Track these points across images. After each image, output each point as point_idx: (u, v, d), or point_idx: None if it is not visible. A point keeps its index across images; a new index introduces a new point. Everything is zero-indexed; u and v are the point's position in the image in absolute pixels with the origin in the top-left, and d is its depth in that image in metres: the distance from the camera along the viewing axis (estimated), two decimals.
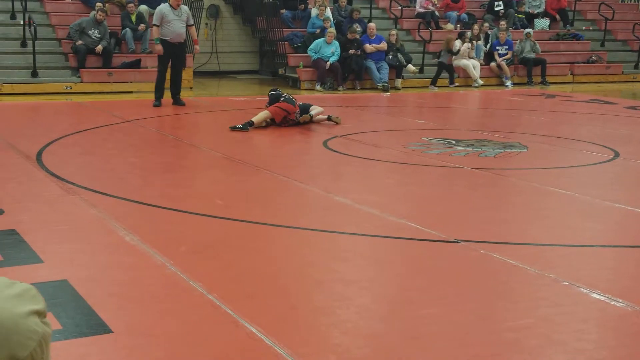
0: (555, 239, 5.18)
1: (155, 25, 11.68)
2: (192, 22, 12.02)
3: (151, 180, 6.77)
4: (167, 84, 11.92)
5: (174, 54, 11.75)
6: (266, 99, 10.33)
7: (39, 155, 7.43)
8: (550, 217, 5.77)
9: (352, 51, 15.88)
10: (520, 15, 19.89)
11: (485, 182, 6.97)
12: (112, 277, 4.15)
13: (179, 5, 11.63)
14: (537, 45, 18.10)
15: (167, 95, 11.98)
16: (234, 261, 4.47)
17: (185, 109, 11.59)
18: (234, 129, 9.43)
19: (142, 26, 15.05)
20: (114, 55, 14.57)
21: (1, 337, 1.04)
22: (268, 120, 9.76)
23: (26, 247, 4.50)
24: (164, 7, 11.66)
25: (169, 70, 11.85)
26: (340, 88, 15.76)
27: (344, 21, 17.05)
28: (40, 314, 1.10)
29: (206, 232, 5.07)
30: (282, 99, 9.92)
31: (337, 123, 10.05)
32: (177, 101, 11.97)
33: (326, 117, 10.14)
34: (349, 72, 15.98)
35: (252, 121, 9.59)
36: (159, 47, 11.63)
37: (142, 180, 6.77)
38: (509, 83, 17.41)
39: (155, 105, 11.67)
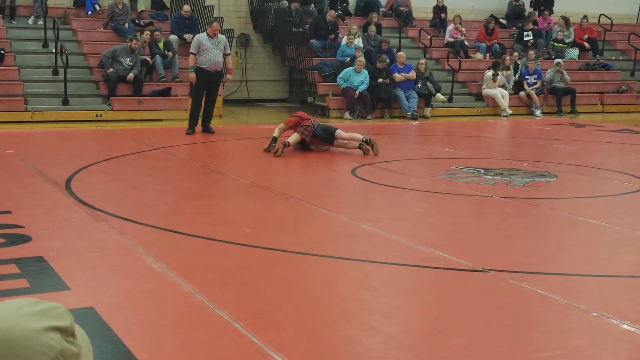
0: (584, 269, 5.10)
1: (192, 53, 11.80)
2: (229, 51, 12.11)
3: (179, 208, 6.79)
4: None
5: (210, 83, 11.84)
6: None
7: (68, 182, 7.49)
8: (579, 247, 5.69)
9: (381, 80, 15.91)
10: (558, 44, 19.81)
11: (514, 211, 6.90)
12: (139, 305, 4.15)
13: (216, 34, 11.74)
14: (567, 75, 18.02)
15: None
16: (260, 289, 4.44)
17: (214, 137, 11.65)
18: (267, 150, 9.82)
19: (168, 53, 15.23)
20: (144, 83, 14.74)
21: (9, 351, 1.04)
22: (286, 129, 10.08)
23: (53, 274, 4.52)
24: (201, 36, 11.82)
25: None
26: (369, 117, 15.77)
27: (373, 50, 17.11)
28: (63, 331, 1.10)
29: (233, 260, 5.06)
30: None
31: (372, 148, 9.81)
32: (206, 129, 12.04)
33: (361, 137, 9.95)
34: (378, 100, 16.01)
35: (274, 137, 9.95)
36: (192, 75, 11.74)
37: (170, 208, 6.79)
38: (538, 112, 17.31)
39: (188, 133, 11.75)
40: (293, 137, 9.73)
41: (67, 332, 1.10)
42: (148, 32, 15.33)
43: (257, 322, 3.89)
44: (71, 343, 1.10)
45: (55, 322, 1.09)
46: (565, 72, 18.08)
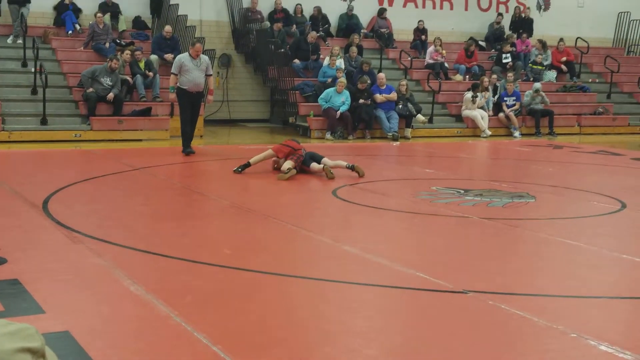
0: (563, 290, 5.10)
1: (173, 73, 11.72)
2: (211, 72, 12.02)
3: (158, 229, 6.74)
4: (179, 133, 11.98)
5: (191, 103, 11.79)
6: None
7: (46, 203, 7.43)
8: (558, 268, 5.70)
9: (362, 101, 15.97)
10: (536, 67, 20.00)
11: (493, 232, 6.92)
12: (115, 329, 4.10)
13: (198, 55, 11.68)
14: (546, 97, 18.20)
15: (178, 142, 12.03)
16: (240, 312, 4.41)
17: (194, 157, 11.61)
18: (235, 171, 9.82)
19: (149, 73, 15.21)
20: (124, 102, 14.69)
21: None
22: (273, 159, 9.97)
23: (28, 297, 4.46)
24: (183, 56, 11.74)
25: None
26: (350, 137, 15.81)
27: (355, 71, 17.18)
28: (34, 352, 1.10)
29: (213, 282, 5.02)
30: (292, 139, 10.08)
31: (359, 174, 9.80)
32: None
33: (345, 164, 10.00)
34: (359, 121, 16.05)
35: (249, 162, 9.91)
36: (172, 96, 11.69)
37: (149, 229, 6.74)
38: (517, 134, 17.44)
39: (186, 153, 11.68)
40: (287, 164, 9.65)
41: (37, 354, 1.10)
42: (128, 52, 15.32)
43: (237, 345, 3.85)
44: None
45: (26, 343, 1.09)
46: (544, 94, 18.25)
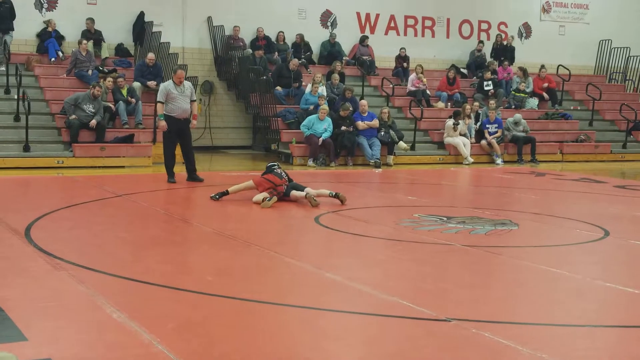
0: (547, 318, 5.12)
1: (159, 102, 11.69)
2: (194, 97, 12.02)
3: (141, 256, 6.71)
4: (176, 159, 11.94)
5: (180, 130, 11.75)
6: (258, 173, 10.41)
7: (28, 229, 7.38)
8: (541, 296, 5.73)
9: (344, 128, 16.05)
10: (519, 94, 20.22)
11: (476, 259, 6.94)
12: (98, 356, 4.07)
13: (181, 82, 11.69)
14: (527, 126, 18.40)
15: (161, 169, 11.99)
16: (222, 339, 4.39)
17: (176, 184, 11.58)
18: (213, 197, 9.86)
19: (131, 99, 15.23)
20: (107, 129, 14.68)
21: None
22: (251, 189, 9.90)
23: (10, 325, 4.42)
24: (168, 84, 11.72)
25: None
26: (333, 164, 15.86)
27: (337, 98, 17.28)
28: None
29: (195, 309, 5.00)
30: (273, 170, 9.99)
31: (342, 202, 9.79)
32: (193, 177, 11.91)
33: (327, 192, 10.01)
34: (341, 148, 16.12)
35: (227, 191, 9.93)
36: (163, 123, 11.60)
37: (131, 256, 6.71)
38: (499, 161, 17.57)
39: (170, 182, 11.63)
40: (262, 195, 9.61)
41: None
42: (110, 79, 15.33)
43: None
44: None
45: None
46: (525, 122, 18.43)
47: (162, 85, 12.01)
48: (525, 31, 23.10)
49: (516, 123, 18.31)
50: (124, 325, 4.52)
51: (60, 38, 17.08)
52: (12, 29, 16.27)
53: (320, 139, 15.77)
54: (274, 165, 10.32)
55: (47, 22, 17.03)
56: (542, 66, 20.98)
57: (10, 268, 5.90)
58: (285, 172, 10.21)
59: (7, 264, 6.02)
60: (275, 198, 9.55)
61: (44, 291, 5.27)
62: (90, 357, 4.04)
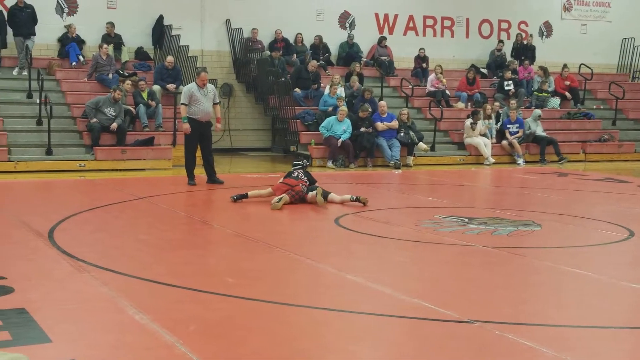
0: (571, 320, 5.08)
1: (183, 104, 11.72)
2: (217, 100, 12.05)
3: (162, 258, 6.74)
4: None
5: (202, 134, 11.76)
6: (279, 176, 10.43)
7: (51, 232, 7.43)
8: (565, 298, 5.68)
9: (363, 129, 16.02)
10: (542, 94, 20.09)
11: (499, 260, 6.89)
12: (121, 357, 4.08)
13: (205, 84, 11.70)
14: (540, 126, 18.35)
15: (181, 172, 12.03)
16: (244, 341, 4.39)
17: (196, 187, 11.62)
18: (232, 198, 9.89)
19: (151, 102, 15.29)
20: (127, 132, 14.75)
21: None
22: (270, 195, 9.88)
23: (35, 326, 4.45)
24: (191, 87, 11.74)
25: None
26: (352, 165, 15.84)
27: (356, 100, 17.25)
28: None
29: (216, 311, 5.00)
30: (291, 175, 9.97)
31: (364, 204, 9.79)
32: (213, 180, 11.91)
33: (349, 197, 10.00)
34: (361, 149, 16.09)
35: (247, 194, 9.94)
36: (186, 126, 11.62)
37: (152, 258, 6.73)
38: (520, 161, 17.46)
39: (190, 184, 11.66)
40: (284, 199, 9.59)
41: None
42: (129, 82, 15.40)
43: None
44: None
45: None
46: (539, 122, 18.33)
47: (185, 88, 12.04)
48: (546, 30, 22.95)
49: (536, 119, 18.17)
50: (146, 327, 4.54)
51: (81, 42, 17.19)
52: (34, 34, 16.39)
53: (340, 141, 15.75)
54: (298, 164, 10.34)
55: (68, 27, 17.15)
56: (565, 65, 20.83)
57: (34, 270, 5.94)
58: (305, 174, 10.17)
59: (31, 267, 6.07)
60: (286, 197, 9.52)
61: (68, 293, 5.31)
62: (113, 358, 4.06)
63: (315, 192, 9.78)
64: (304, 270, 6.41)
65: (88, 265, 6.07)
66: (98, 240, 7.45)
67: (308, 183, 10.04)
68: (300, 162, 10.47)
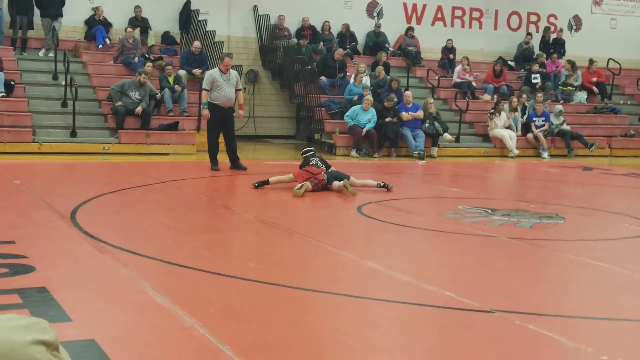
0: (592, 311, 5.02)
1: (205, 89, 11.73)
2: (240, 86, 12.04)
3: (183, 241, 6.75)
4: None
5: (223, 119, 11.77)
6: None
7: (74, 213, 7.47)
8: (587, 290, 5.62)
9: (388, 119, 15.95)
10: (567, 88, 19.89)
11: (521, 252, 6.84)
12: (140, 338, 4.09)
13: (228, 70, 11.70)
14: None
15: (204, 157, 12.05)
16: (263, 325, 4.39)
17: (219, 173, 11.64)
18: (254, 185, 9.83)
19: (177, 87, 15.32)
20: (152, 117, 14.80)
21: None
22: (291, 182, 9.86)
23: (55, 305, 4.47)
24: (214, 72, 11.74)
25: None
26: (376, 155, 15.78)
27: (382, 89, 17.18)
28: (48, 345, 1.11)
29: (236, 295, 5.00)
30: (310, 162, 9.96)
31: (389, 189, 9.89)
32: (237, 166, 11.91)
33: (376, 184, 10.01)
34: (385, 139, 16.03)
35: (268, 180, 9.87)
36: (205, 112, 11.63)
37: (174, 241, 6.75)
38: (545, 155, 17.31)
39: (213, 170, 11.67)
40: (306, 185, 9.59)
41: (52, 346, 1.11)
42: (150, 64, 15.38)
43: (260, 358, 3.83)
44: (56, 357, 1.10)
45: (40, 335, 1.10)
46: (562, 118, 18.15)
47: (208, 73, 12.04)
48: (576, 24, 22.69)
49: (557, 114, 18.01)
50: (166, 308, 4.55)
51: (107, 25, 17.25)
52: (61, 16, 16.47)
53: (364, 130, 15.70)
54: (310, 151, 10.32)
55: (95, 9, 17.22)
56: (592, 60, 20.59)
57: (56, 250, 5.98)
58: (322, 160, 10.17)
59: (53, 247, 6.10)
60: (308, 184, 9.50)
61: (89, 273, 5.33)
62: (132, 339, 4.07)
63: (342, 182, 9.77)
64: (325, 256, 6.39)
65: (109, 247, 6.10)
66: (120, 222, 7.49)
67: (327, 170, 10.02)
68: (311, 149, 10.47)
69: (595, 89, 20.46)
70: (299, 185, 9.48)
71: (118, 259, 5.73)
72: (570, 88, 20.01)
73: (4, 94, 14.21)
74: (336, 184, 9.84)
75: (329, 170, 10.09)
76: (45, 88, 15.42)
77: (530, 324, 4.51)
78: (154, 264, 5.72)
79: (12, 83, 14.54)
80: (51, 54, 16.00)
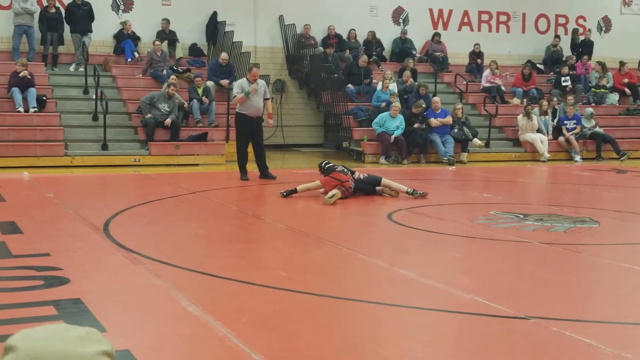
0: (631, 317, 4.93)
1: (235, 95, 11.79)
2: (268, 95, 12.08)
3: (215, 251, 6.77)
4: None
5: (252, 129, 11.80)
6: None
7: (106, 225, 7.53)
8: (625, 295, 5.53)
9: (417, 125, 15.89)
10: (599, 90, 19.66)
11: (555, 257, 6.75)
12: (174, 348, 4.10)
13: (256, 80, 11.75)
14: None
15: (234, 167, 12.08)
16: (296, 334, 4.37)
17: (249, 182, 11.66)
18: (282, 194, 9.83)
19: (205, 99, 15.40)
20: (181, 128, 14.89)
21: None
22: (319, 189, 9.91)
23: (90, 316, 4.50)
24: (242, 82, 11.78)
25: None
26: (405, 161, 15.72)
27: (410, 95, 17.13)
28: (109, 354, 1.11)
29: (269, 304, 4.99)
30: (336, 169, 9.98)
31: (418, 197, 9.89)
32: (266, 175, 11.92)
33: (406, 190, 10.01)
34: (414, 145, 15.96)
35: (296, 189, 9.87)
36: (241, 96, 11.60)
37: (205, 251, 6.77)
38: (578, 158, 17.11)
39: (243, 180, 11.70)
40: (335, 191, 9.58)
41: (111, 356, 1.12)
42: (174, 76, 15.43)
43: None
44: None
45: (101, 346, 1.11)
46: (594, 121, 17.92)
47: (236, 82, 12.10)
48: (605, 25, 22.45)
49: (588, 117, 17.80)
50: (199, 318, 4.55)
51: (136, 39, 17.40)
52: (91, 31, 16.65)
53: (393, 137, 15.65)
54: (329, 163, 10.34)
55: (124, 24, 17.38)
56: (622, 62, 20.34)
57: (90, 262, 6.02)
58: (347, 168, 10.17)
59: (86, 258, 6.15)
60: (338, 193, 9.48)
61: (122, 284, 5.36)
62: (166, 349, 4.08)
63: (381, 188, 10.00)
64: (356, 264, 6.36)
65: (142, 258, 6.13)
66: (152, 233, 7.52)
67: (353, 177, 10.02)
68: (328, 161, 10.51)
69: (627, 90, 20.21)
70: (330, 194, 9.45)
71: (151, 269, 5.75)
72: (602, 90, 19.78)
73: (36, 109, 14.39)
74: (377, 189, 10.03)
75: (362, 177, 10.09)
76: (77, 102, 15.59)
77: (567, 331, 4.44)
78: (187, 274, 5.73)
79: (44, 98, 14.72)
80: (81, 69, 16.17)
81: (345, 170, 10.03)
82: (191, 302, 4.84)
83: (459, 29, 20.95)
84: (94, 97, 15.03)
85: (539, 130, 17.28)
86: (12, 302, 4.78)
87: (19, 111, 14.26)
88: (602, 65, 20.22)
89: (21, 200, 9.28)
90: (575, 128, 17.55)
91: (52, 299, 4.84)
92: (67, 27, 16.57)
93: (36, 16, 16.12)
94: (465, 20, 21.05)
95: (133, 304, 4.90)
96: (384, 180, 10.07)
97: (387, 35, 19.98)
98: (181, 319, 4.56)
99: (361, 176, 10.12)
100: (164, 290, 5.21)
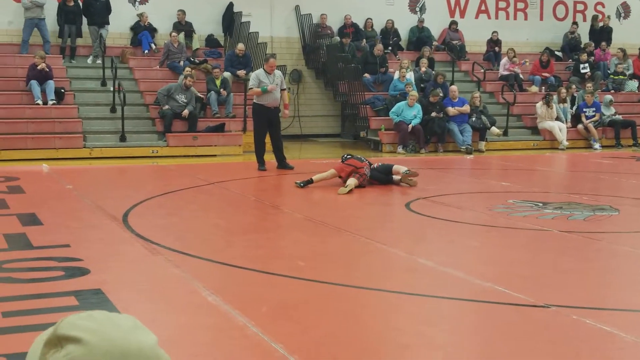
0: None
1: (251, 88, 11.82)
2: (285, 86, 12.09)
3: (233, 241, 6.78)
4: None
5: (270, 120, 11.81)
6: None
7: (125, 216, 7.57)
8: None
9: (434, 114, 15.83)
10: (618, 77, 19.48)
11: (575, 245, 6.71)
12: (194, 338, 4.12)
13: (273, 70, 11.76)
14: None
15: (251, 157, 12.09)
16: (315, 323, 4.38)
17: (266, 173, 11.67)
18: (297, 185, 9.84)
19: (223, 92, 15.41)
20: (199, 119, 14.92)
21: None
22: (336, 177, 9.91)
23: (110, 307, 4.52)
24: (259, 72, 11.81)
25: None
26: (423, 151, 15.67)
27: (427, 84, 17.06)
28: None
29: (288, 293, 5.01)
30: (352, 156, 10.02)
31: (414, 175, 9.95)
32: (284, 165, 11.93)
33: (403, 171, 10.04)
34: (431, 134, 15.90)
35: (311, 179, 9.87)
36: (271, 87, 11.62)
37: (224, 241, 6.79)
38: (597, 145, 16.99)
39: (261, 170, 11.74)
40: (351, 181, 9.60)
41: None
42: (189, 68, 15.45)
43: (313, 356, 3.82)
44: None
45: (152, 334, 1.11)
46: (612, 107, 17.76)
47: (253, 74, 12.11)
48: (624, 11, 22.22)
49: (607, 104, 17.65)
50: (219, 308, 4.57)
51: (152, 30, 17.43)
52: (108, 23, 16.70)
53: (410, 126, 15.60)
54: (348, 156, 10.32)
55: (140, 16, 17.42)
56: None
57: (110, 253, 6.06)
58: (365, 158, 10.18)
59: (106, 249, 6.19)
60: (352, 184, 9.46)
61: (142, 275, 5.39)
62: (187, 339, 4.10)
63: (398, 177, 9.95)
64: (375, 253, 6.36)
65: (161, 248, 6.16)
66: (171, 224, 7.55)
67: (370, 166, 10.01)
68: (349, 155, 10.49)
69: None
70: (346, 185, 9.46)
71: (170, 260, 5.78)
72: (622, 77, 19.59)
73: (55, 101, 14.46)
74: (395, 178, 9.99)
75: (376, 166, 10.08)
76: (94, 94, 15.65)
77: (587, 319, 4.42)
78: (206, 264, 5.76)
79: (62, 90, 14.79)
80: (99, 61, 16.23)
81: (362, 158, 10.05)
82: (211, 292, 4.86)
83: (476, 17, 20.81)
84: (111, 89, 15.08)
85: (557, 118, 17.16)
86: (33, 293, 4.82)
87: (38, 104, 14.33)
88: (623, 51, 20.01)
89: (41, 192, 9.34)
90: (594, 116, 17.41)
91: (72, 290, 4.87)
92: (84, 20, 16.63)
93: (52, 9, 16.19)
94: (483, 8, 20.91)
95: (153, 294, 4.94)
96: (395, 167, 10.09)
97: (404, 24, 19.88)
98: (201, 309, 4.58)
99: (375, 165, 10.13)
100: (183, 280, 5.23)
